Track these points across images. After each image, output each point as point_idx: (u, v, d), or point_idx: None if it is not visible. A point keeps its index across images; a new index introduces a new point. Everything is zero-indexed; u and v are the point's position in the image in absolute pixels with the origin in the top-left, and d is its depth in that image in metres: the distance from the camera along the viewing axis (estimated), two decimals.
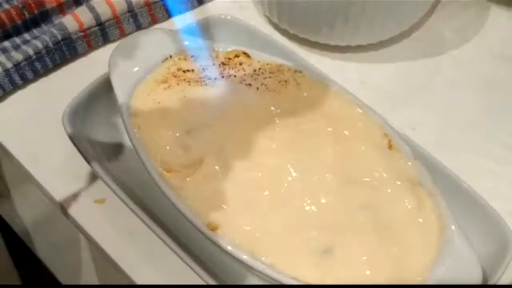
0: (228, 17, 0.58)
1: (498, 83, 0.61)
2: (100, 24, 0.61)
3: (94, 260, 0.62)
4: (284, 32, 0.64)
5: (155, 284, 0.47)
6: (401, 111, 0.58)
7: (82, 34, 0.60)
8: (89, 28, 0.61)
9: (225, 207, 0.44)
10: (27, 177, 0.54)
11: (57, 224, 0.66)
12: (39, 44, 0.58)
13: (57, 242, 0.74)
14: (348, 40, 0.62)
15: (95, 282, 0.71)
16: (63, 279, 0.82)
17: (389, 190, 0.45)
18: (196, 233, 0.44)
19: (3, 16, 0.59)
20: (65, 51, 0.60)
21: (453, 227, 0.43)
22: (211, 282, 0.42)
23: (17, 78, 0.58)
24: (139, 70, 0.51)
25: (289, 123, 0.48)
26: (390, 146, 0.48)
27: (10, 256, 0.89)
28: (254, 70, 0.52)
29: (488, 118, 0.58)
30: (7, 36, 0.60)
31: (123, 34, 0.63)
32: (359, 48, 0.63)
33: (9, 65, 0.57)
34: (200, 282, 0.43)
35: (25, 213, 0.74)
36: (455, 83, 0.61)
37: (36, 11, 0.61)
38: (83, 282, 0.78)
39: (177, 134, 0.47)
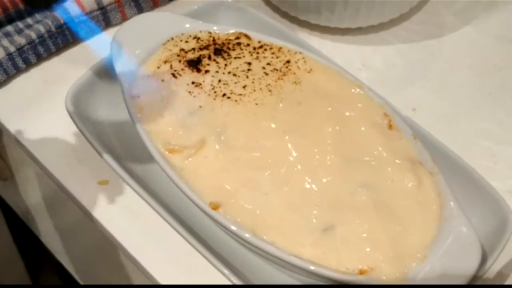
0: (229, 0, 0.58)
1: (498, 64, 0.61)
2: (102, 8, 0.61)
3: (99, 243, 0.63)
4: (284, 15, 0.65)
5: (156, 261, 0.48)
6: (401, 92, 0.58)
7: (84, 18, 0.60)
8: (91, 12, 0.61)
9: (226, 186, 0.44)
10: (31, 160, 0.55)
11: (61, 207, 0.67)
12: (41, 28, 0.58)
13: (61, 225, 0.74)
14: (348, 23, 0.62)
15: (100, 265, 0.72)
16: (68, 264, 0.83)
17: (389, 169, 0.46)
18: (198, 212, 0.44)
19: (6, 0, 0.59)
20: (68, 35, 0.60)
21: (452, 205, 0.44)
22: (213, 260, 0.43)
23: (20, 62, 0.58)
24: (141, 52, 0.51)
25: (289, 104, 0.49)
26: (390, 126, 0.48)
27: (15, 244, 0.90)
28: (254, 49, 0.52)
29: (488, 99, 0.58)
30: (10, 21, 0.61)
31: (124, 18, 0.63)
32: (359, 30, 0.63)
33: (12, 49, 0.57)
34: (203, 261, 0.43)
35: (29, 197, 0.75)
36: (455, 65, 0.61)
37: None
38: (87, 266, 0.79)
39: (179, 115, 0.48)
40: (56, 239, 0.79)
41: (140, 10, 0.64)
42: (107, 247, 0.60)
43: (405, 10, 0.63)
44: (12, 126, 0.55)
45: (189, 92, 0.49)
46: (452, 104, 0.58)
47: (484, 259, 0.43)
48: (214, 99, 0.48)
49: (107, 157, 0.47)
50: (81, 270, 0.82)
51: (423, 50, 0.63)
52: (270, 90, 0.49)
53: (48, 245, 0.83)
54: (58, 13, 0.59)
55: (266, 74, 0.50)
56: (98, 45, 0.61)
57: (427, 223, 0.44)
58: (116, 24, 0.63)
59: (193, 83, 0.49)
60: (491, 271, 0.46)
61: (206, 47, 0.52)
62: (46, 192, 0.69)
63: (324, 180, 0.45)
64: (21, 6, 0.60)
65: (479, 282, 0.44)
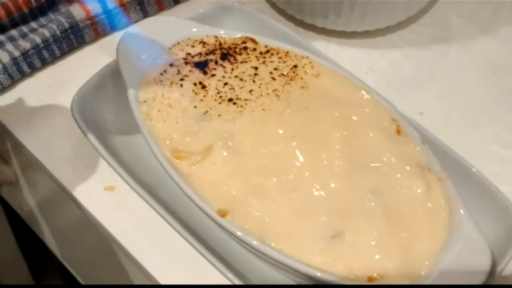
0: (235, 4, 0.58)
1: (506, 67, 0.61)
2: (107, 12, 0.61)
3: (104, 247, 0.63)
4: (290, 18, 0.64)
5: (163, 267, 0.48)
6: (409, 96, 0.58)
7: (89, 22, 0.60)
8: (96, 16, 0.61)
9: (234, 193, 0.44)
10: (36, 165, 0.55)
11: (67, 212, 0.67)
12: (46, 33, 0.58)
13: (65, 229, 0.74)
14: (354, 26, 0.62)
15: (104, 269, 0.72)
16: (72, 267, 0.83)
17: (398, 175, 0.45)
18: (205, 219, 0.44)
19: (10, 5, 0.59)
20: (73, 39, 0.60)
21: (462, 212, 0.44)
22: (221, 267, 0.42)
23: (25, 67, 0.58)
24: (147, 57, 0.51)
25: (296, 109, 0.48)
26: (398, 131, 0.48)
27: (18, 246, 0.89)
28: (261, 54, 0.52)
29: (496, 102, 0.58)
30: (14, 25, 0.60)
31: (130, 22, 0.63)
32: (366, 34, 0.63)
33: (16, 53, 0.57)
34: (209, 267, 0.43)
35: (34, 201, 0.74)
36: (462, 68, 0.61)
37: (43, 0, 0.61)
38: (91, 269, 0.78)
39: (186, 121, 0.47)
40: (60, 242, 0.79)
41: (146, 14, 0.63)
42: (112, 251, 0.60)
43: (412, 13, 0.63)
44: (17, 131, 0.55)
45: (196, 97, 0.48)
46: (459, 107, 0.57)
47: (494, 266, 0.42)
48: (220, 103, 0.48)
49: (113, 162, 0.47)
50: (85, 274, 0.82)
51: (431, 53, 0.62)
52: (277, 95, 0.49)
53: (52, 247, 0.82)
54: (63, 17, 0.59)
55: (273, 79, 0.50)
56: (104, 49, 0.60)
57: (437, 230, 0.43)
58: (122, 28, 0.63)
59: (199, 88, 0.49)
60: (501, 278, 0.45)
61: (213, 52, 0.52)
62: (50, 196, 0.69)
63: (332, 186, 0.44)
64: (25, 10, 0.60)
65: None
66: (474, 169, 0.47)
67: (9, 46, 0.58)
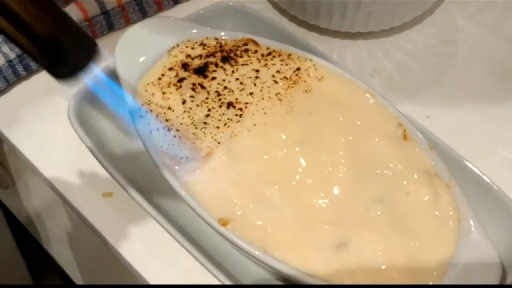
0: (236, 4, 0.57)
1: None
2: (105, 12, 0.60)
3: (101, 253, 0.62)
4: (292, 18, 0.63)
5: (161, 276, 0.47)
6: (415, 99, 0.57)
7: (86, 23, 0.59)
8: (93, 17, 0.59)
9: (235, 201, 0.43)
10: (32, 170, 0.54)
11: (63, 217, 0.66)
12: None
13: (63, 234, 0.73)
14: (359, 27, 0.60)
15: (101, 273, 0.71)
16: (70, 270, 0.82)
17: (404, 182, 0.44)
18: (204, 226, 0.43)
19: None
20: None
21: (470, 220, 0.43)
22: (219, 275, 0.42)
23: (20, 69, 0.57)
24: (146, 59, 0.50)
25: (299, 113, 0.47)
26: (404, 137, 0.46)
27: (17, 246, 0.89)
28: (263, 56, 0.50)
29: (505, 106, 0.57)
30: None
31: (128, 23, 0.62)
32: (370, 35, 0.62)
33: (12, 55, 0.56)
34: (208, 275, 0.42)
35: (30, 205, 0.74)
36: (470, 70, 0.60)
37: None
38: (89, 273, 0.78)
39: (185, 126, 0.46)
40: (58, 246, 0.79)
41: (145, 14, 0.62)
42: (109, 257, 0.59)
43: (418, 14, 0.61)
44: (12, 136, 0.54)
45: (195, 101, 0.47)
46: (467, 111, 0.56)
47: (503, 275, 0.42)
48: (220, 106, 0.47)
49: (110, 168, 0.46)
50: (82, 278, 0.81)
51: (437, 54, 0.61)
52: (279, 99, 0.47)
53: (50, 251, 0.82)
54: None
55: (276, 82, 0.48)
56: (101, 51, 0.59)
57: (445, 239, 0.42)
58: (120, 29, 0.62)
59: (199, 91, 0.48)
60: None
61: (213, 54, 0.50)
62: (47, 200, 0.68)
63: (337, 193, 0.43)
64: None
65: None
66: (483, 176, 0.45)
67: (5, 48, 0.57)
